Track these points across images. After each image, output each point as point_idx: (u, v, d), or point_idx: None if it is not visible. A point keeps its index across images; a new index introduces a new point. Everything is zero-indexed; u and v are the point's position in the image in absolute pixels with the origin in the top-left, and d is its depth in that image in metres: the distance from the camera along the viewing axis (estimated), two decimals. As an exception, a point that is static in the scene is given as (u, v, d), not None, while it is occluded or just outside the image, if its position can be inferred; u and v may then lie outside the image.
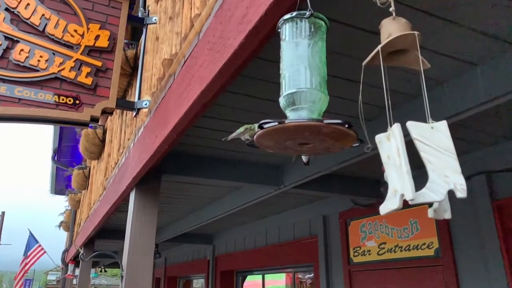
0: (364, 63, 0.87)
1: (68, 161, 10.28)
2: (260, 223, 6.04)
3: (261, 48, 1.33)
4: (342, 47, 1.76)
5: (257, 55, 1.80)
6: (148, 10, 3.43)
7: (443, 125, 0.76)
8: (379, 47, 0.83)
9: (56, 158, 10.30)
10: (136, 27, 3.79)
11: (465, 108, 1.94)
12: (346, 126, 0.80)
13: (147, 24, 3.36)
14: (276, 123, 0.80)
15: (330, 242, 4.54)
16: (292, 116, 0.86)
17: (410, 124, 0.76)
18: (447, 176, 0.72)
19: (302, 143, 0.88)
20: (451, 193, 0.77)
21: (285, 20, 0.92)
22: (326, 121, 0.79)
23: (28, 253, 13.48)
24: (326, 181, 3.54)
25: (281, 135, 0.83)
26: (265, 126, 0.81)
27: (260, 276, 6.57)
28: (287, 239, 5.41)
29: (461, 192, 0.72)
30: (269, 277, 6.49)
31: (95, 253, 4.55)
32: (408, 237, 3.57)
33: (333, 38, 1.67)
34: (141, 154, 2.62)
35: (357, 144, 0.89)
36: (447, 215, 0.84)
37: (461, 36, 1.71)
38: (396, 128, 0.75)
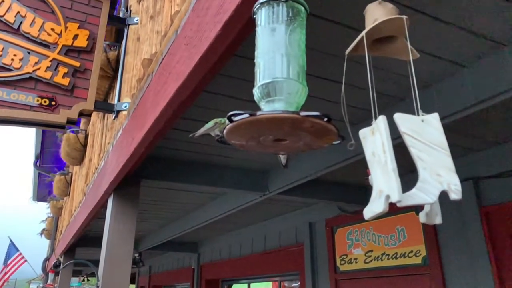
0: (347, 51, 0.79)
1: (51, 167, 10.04)
2: (246, 231, 5.92)
3: (240, 41, 1.25)
4: (323, 44, 1.68)
5: (237, 52, 1.71)
6: (130, 10, 3.33)
7: (434, 118, 0.68)
8: (363, 32, 0.75)
9: (38, 164, 10.05)
10: (118, 27, 3.68)
11: (454, 111, 1.88)
12: (325, 119, 0.71)
13: (129, 25, 3.25)
14: (247, 115, 0.70)
15: (317, 250, 4.45)
16: (267, 109, 0.77)
17: (398, 117, 0.67)
18: (439, 175, 0.63)
19: (278, 140, 0.79)
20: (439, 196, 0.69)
21: (261, 4, 0.84)
22: (302, 114, 0.70)
23: (8, 262, 13.10)
24: (312, 187, 3.46)
25: (253, 129, 0.74)
26: (235, 118, 0.71)
27: (246, 285, 6.44)
28: (273, 247, 5.30)
29: (456, 193, 0.63)
30: (254, 286, 6.37)
31: (69, 262, 4.38)
32: (395, 244, 3.50)
33: (314, 35, 1.60)
34: (119, 157, 2.51)
35: (338, 141, 0.80)
36: (438, 220, 0.76)
37: (449, 35, 1.64)
38: (381, 121, 0.66)
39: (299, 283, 4.85)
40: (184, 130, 2.57)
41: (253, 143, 0.80)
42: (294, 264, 4.77)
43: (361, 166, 2.31)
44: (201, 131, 1.07)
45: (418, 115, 0.68)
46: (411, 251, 3.34)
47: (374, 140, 0.67)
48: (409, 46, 0.77)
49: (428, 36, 1.65)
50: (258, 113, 0.71)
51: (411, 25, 1.57)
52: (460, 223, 2.95)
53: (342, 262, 4.06)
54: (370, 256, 3.74)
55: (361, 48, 0.78)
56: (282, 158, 1.15)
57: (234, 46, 1.25)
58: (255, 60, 0.84)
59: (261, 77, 0.79)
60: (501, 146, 2.78)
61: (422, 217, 0.73)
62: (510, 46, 1.70)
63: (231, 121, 0.72)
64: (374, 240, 3.73)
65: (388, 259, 3.54)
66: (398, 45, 0.80)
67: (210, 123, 1.04)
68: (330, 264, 4.19)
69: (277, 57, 0.78)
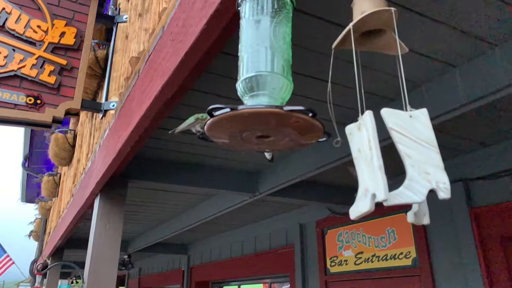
0: (334, 45, 0.76)
1: (40, 168, 9.90)
2: (236, 233, 5.88)
3: (227, 37, 1.21)
4: (310, 42, 1.65)
5: (227, 50, 1.68)
6: (119, 8, 3.28)
7: (423, 113, 0.65)
8: (350, 25, 0.72)
9: (27, 165, 9.91)
10: (107, 26, 3.63)
11: (444, 111, 1.86)
12: (310, 115, 0.68)
13: (118, 23, 3.21)
14: (228, 110, 0.67)
15: (307, 252, 4.42)
16: (250, 104, 0.74)
17: (385, 112, 0.64)
18: (428, 173, 0.60)
19: (261, 136, 0.75)
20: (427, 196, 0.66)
21: (245, -5, 0.80)
22: (286, 108, 0.67)
23: (-5, 264, 12.90)
24: (303, 189, 3.43)
25: (235, 124, 0.70)
26: (215, 113, 0.68)
27: (236, 287, 6.39)
28: (263, 249, 5.27)
29: (445, 192, 0.60)
30: (245, 288, 6.33)
31: (53, 265, 4.30)
32: (386, 246, 3.48)
33: (302, 32, 1.57)
34: (105, 157, 2.46)
35: (324, 139, 0.77)
36: (426, 220, 0.73)
37: (439, 34, 1.63)
38: (367, 116, 0.63)
39: (289, 285, 4.82)
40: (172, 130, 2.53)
41: (235, 140, 0.77)
42: (284, 265, 4.74)
43: (351, 167, 2.29)
44: (181, 127, 1.04)
45: (406, 110, 0.66)
46: (401, 253, 3.32)
47: (361, 136, 0.64)
48: (398, 40, 0.75)
49: (418, 35, 1.63)
50: (240, 107, 0.68)
51: (401, 23, 1.55)
52: (450, 225, 2.94)
53: (332, 263, 4.04)
54: (360, 257, 3.72)
55: (348, 42, 0.75)
56: (267, 153, 1.11)
57: (220, 41, 1.22)
58: (238, 54, 0.80)
59: (244, 70, 0.76)
60: (491, 147, 2.78)
61: (410, 217, 0.70)
62: (501, 46, 1.69)
63: (211, 116, 0.69)
64: (364, 242, 3.72)
65: (378, 260, 3.53)
66: (387, 39, 0.77)
67: (191, 119, 1.00)
68: (320, 266, 4.16)
69: (261, 50, 0.75)
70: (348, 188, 3.64)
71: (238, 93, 0.79)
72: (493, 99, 1.74)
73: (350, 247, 3.87)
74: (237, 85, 0.78)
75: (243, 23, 0.81)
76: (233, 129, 0.72)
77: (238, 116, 0.68)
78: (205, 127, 0.73)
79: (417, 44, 1.68)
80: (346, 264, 3.87)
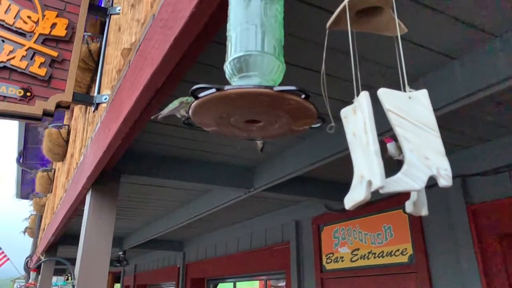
0: (328, 24, 0.71)
1: (35, 164, 9.83)
2: (232, 229, 5.84)
3: (218, 23, 1.16)
4: (304, 30, 1.60)
5: (220, 40, 1.63)
6: (112, 0, 3.22)
7: (423, 94, 0.60)
8: (346, 1, 0.67)
9: (21, 161, 9.83)
10: (100, 18, 3.56)
11: (443, 104, 1.82)
12: (303, 96, 0.64)
13: (110, 15, 3.15)
14: (214, 90, 0.62)
15: (303, 249, 4.38)
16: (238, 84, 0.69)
17: (382, 92, 0.60)
18: (428, 158, 0.56)
19: (251, 121, 0.70)
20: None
21: (234, -29, 0.75)
22: (276, 89, 0.62)
23: (-10, 260, 12.83)
24: (298, 185, 3.39)
25: (222, 107, 0.66)
26: (200, 95, 0.63)
27: (232, 284, 6.35)
28: (259, 246, 5.23)
29: (446, 179, 0.56)
30: (241, 285, 6.29)
31: (43, 260, 4.24)
32: (382, 243, 3.45)
33: (295, 20, 1.52)
34: (96, 151, 2.40)
35: (318, 124, 0.72)
36: (424, 211, 0.68)
37: (440, 25, 1.58)
38: (363, 97, 0.58)
39: (285, 282, 4.78)
40: (166, 124, 2.48)
41: (223, 125, 0.72)
42: (280, 262, 4.70)
43: (347, 163, 2.24)
44: (165, 111, 0.98)
45: (404, 91, 0.61)
46: (398, 250, 3.29)
47: (356, 120, 0.59)
48: (396, 19, 0.70)
49: (416, 26, 1.58)
50: (227, 87, 0.63)
51: (397, 12, 1.50)
52: (447, 221, 2.90)
53: (328, 260, 4.00)
54: (357, 254, 3.69)
55: (344, 22, 0.70)
56: (259, 142, 1.07)
57: (211, 27, 1.17)
58: (227, 34, 0.75)
59: (233, 50, 0.71)
60: (489, 143, 2.74)
61: (408, 206, 0.65)
62: (501, 37, 1.65)
63: (196, 98, 0.64)
64: (360, 239, 3.68)
65: (374, 257, 3.49)
66: (384, 18, 0.72)
67: (175, 103, 0.95)
68: (316, 262, 4.13)
69: (251, 28, 0.70)
70: (344, 184, 3.60)
71: (226, 75, 0.74)
72: (493, 92, 1.70)
73: (346, 243, 3.84)
74: (225, 66, 0.73)
75: (232, 0, 0.76)
76: (220, 113, 0.67)
77: (225, 97, 0.63)
78: (190, 111, 0.68)
79: (414, 34, 1.63)
80: (342, 261, 3.83)
